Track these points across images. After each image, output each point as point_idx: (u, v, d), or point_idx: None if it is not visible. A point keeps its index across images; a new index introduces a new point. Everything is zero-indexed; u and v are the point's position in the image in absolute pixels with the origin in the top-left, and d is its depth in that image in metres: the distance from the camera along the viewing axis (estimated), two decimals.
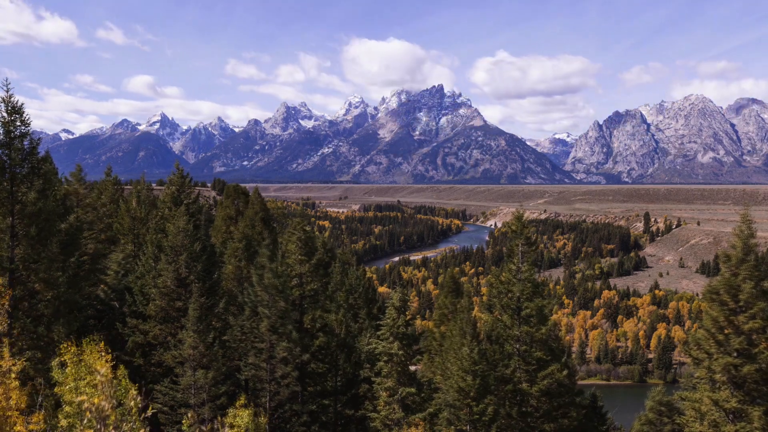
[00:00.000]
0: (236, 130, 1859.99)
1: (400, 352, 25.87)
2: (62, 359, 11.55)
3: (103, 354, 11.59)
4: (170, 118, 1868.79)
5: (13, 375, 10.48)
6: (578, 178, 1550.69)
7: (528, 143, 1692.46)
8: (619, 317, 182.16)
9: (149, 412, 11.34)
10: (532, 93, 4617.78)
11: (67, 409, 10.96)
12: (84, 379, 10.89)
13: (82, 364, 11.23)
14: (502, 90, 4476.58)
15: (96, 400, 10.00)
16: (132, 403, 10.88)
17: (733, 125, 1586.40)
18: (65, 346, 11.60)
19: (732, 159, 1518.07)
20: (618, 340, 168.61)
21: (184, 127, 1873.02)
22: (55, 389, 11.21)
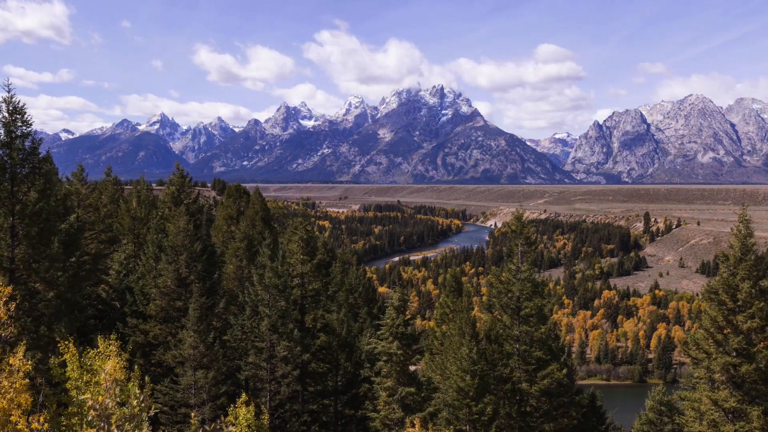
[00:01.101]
0: (236, 130, 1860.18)
1: (400, 352, 25.92)
2: (62, 358, 11.59)
3: (117, 353, 11.64)
4: (170, 118, 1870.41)
5: (20, 374, 10.54)
6: (578, 178, 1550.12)
7: (528, 143, 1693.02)
8: (619, 317, 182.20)
9: (152, 411, 11.40)
10: (518, 86, 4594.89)
11: (71, 408, 11.02)
12: (91, 376, 10.95)
13: (87, 362, 11.28)
14: (484, 84, 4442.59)
15: (100, 399, 10.06)
16: (135, 402, 10.94)
17: (733, 125, 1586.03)
18: (65, 344, 11.65)
19: (732, 159, 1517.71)
20: (618, 340, 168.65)
21: (184, 127, 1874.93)
22: (67, 384, 11.26)
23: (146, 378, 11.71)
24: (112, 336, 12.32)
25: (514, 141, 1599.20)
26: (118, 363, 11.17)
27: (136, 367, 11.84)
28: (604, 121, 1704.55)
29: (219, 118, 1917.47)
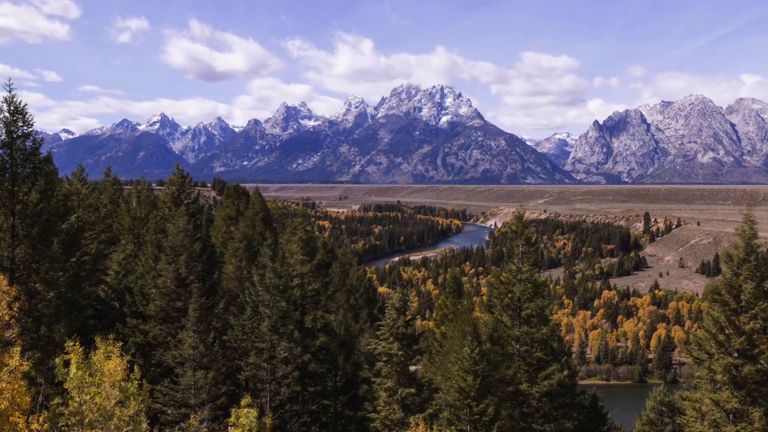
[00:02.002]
0: (236, 130, 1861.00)
1: (400, 353, 25.86)
2: (66, 358, 11.54)
3: (118, 354, 11.57)
4: (170, 118, 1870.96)
5: (19, 375, 10.48)
6: (578, 178, 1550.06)
7: (528, 143, 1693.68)
8: (619, 317, 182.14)
9: (152, 412, 11.34)
10: (508, 81, 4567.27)
11: (70, 408, 10.97)
12: (91, 377, 10.88)
13: (89, 363, 11.21)
14: (472, 79, 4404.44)
15: (99, 400, 10.01)
16: (134, 403, 10.88)
17: (733, 125, 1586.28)
18: (71, 344, 11.60)
19: (732, 159, 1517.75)
20: (618, 340, 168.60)
21: (184, 127, 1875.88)
22: (66, 385, 11.20)
23: (143, 380, 11.65)
24: (110, 336, 12.27)
25: (514, 141, 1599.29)
26: (119, 364, 11.11)
27: (136, 367, 11.77)
28: (604, 121, 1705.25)
29: (219, 118, 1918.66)
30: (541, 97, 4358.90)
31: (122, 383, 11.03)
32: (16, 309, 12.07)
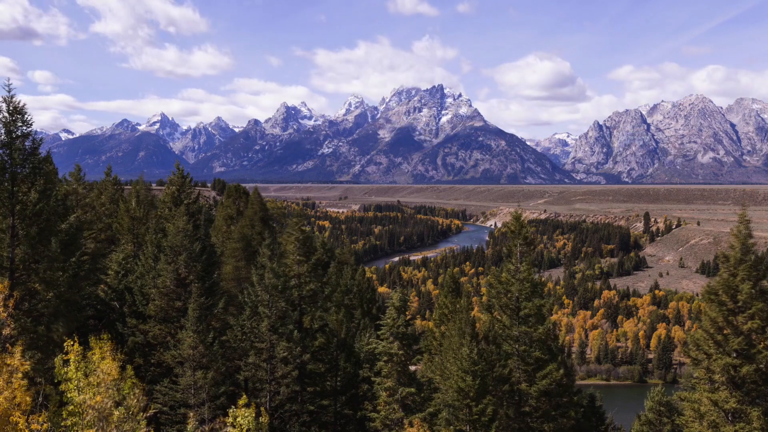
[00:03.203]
0: (236, 130, 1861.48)
1: (400, 352, 25.93)
2: (65, 357, 11.57)
3: (111, 353, 11.61)
4: (170, 119, 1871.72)
5: (19, 375, 10.53)
6: (578, 178, 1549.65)
7: (528, 143, 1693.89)
8: (619, 317, 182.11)
9: (150, 412, 11.39)
10: (498, 75, 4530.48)
11: (70, 407, 11.01)
12: (88, 377, 10.93)
13: (86, 362, 11.26)
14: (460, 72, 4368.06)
15: (99, 399, 10.05)
16: (134, 402, 10.93)
17: (733, 125, 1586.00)
18: (69, 343, 11.64)
19: (732, 159, 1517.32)
20: (618, 340, 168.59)
21: (184, 127, 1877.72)
22: (61, 386, 11.25)
23: (138, 378, 11.71)
24: (104, 336, 12.31)
25: (514, 141, 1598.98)
26: (113, 364, 11.15)
27: (129, 367, 11.82)
28: (604, 121, 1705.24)
29: (218, 118, 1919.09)
30: (528, 91, 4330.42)
31: (119, 382, 11.07)
32: (11, 306, 12.09)
